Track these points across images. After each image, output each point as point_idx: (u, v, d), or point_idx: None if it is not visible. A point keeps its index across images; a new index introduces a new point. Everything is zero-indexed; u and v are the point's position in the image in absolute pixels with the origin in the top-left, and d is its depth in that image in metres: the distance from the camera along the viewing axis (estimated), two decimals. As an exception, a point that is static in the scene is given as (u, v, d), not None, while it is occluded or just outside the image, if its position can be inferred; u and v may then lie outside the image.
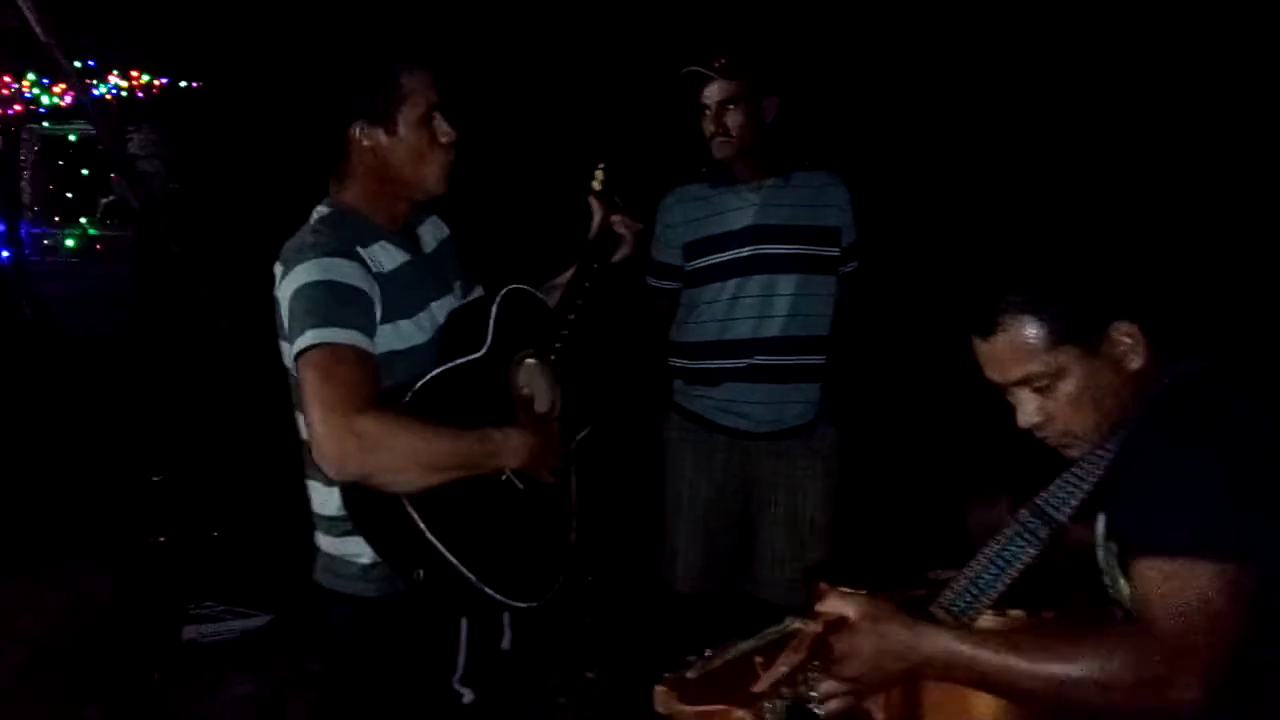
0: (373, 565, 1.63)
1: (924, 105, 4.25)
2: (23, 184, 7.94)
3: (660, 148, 2.54)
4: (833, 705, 1.23)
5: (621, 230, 1.92)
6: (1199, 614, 1.12)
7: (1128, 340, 1.29)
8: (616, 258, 1.94)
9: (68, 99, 7.01)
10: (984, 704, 1.27)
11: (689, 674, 1.22)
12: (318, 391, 1.49)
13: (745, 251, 2.53)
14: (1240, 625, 1.13)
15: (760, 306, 2.53)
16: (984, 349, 1.34)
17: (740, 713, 1.15)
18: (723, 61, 2.44)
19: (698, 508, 2.62)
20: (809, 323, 2.57)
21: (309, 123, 1.72)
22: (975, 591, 1.33)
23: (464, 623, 1.69)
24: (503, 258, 1.96)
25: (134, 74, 7.05)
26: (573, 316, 1.80)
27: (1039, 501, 1.37)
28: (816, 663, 1.21)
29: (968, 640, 1.21)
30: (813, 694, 1.20)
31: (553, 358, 1.76)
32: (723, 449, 2.60)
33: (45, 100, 7.22)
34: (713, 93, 2.45)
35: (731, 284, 2.53)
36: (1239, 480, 1.16)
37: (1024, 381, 1.32)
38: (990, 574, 1.34)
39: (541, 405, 1.73)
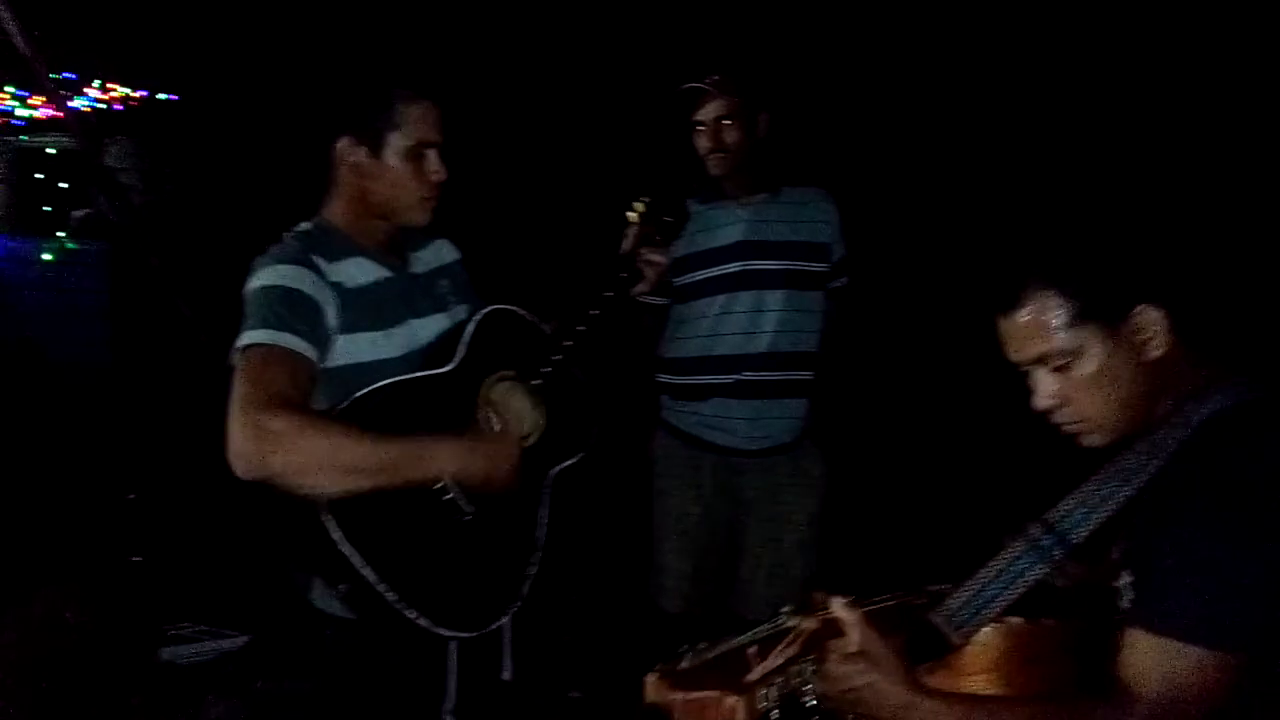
0: None
1: (912, 118, 4.26)
2: (-2, 197, 7.85)
3: (694, 181, 2.52)
4: (825, 705, 1.23)
5: (647, 264, 1.89)
6: (1181, 697, 1.15)
7: (1151, 325, 1.26)
8: (634, 292, 1.90)
9: (45, 112, 6.94)
10: None
11: (681, 664, 1.21)
12: (239, 388, 1.49)
13: (734, 267, 2.52)
14: (1214, 709, 1.16)
15: (748, 322, 2.52)
16: (1005, 325, 1.32)
17: (732, 699, 1.14)
18: (717, 78, 2.44)
19: (685, 525, 2.60)
20: (797, 339, 2.56)
21: (295, 133, 1.71)
22: (979, 604, 1.32)
23: (453, 649, 1.66)
24: (527, 283, 1.93)
25: (111, 86, 6.99)
26: (571, 343, 1.76)
27: (1052, 518, 1.32)
28: (812, 657, 1.21)
29: (956, 709, 1.22)
30: (806, 687, 1.19)
31: (537, 382, 1.73)
32: (710, 465, 2.59)
33: (22, 113, 7.15)
34: (710, 109, 2.44)
35: (720, 299, 2.53)
36: (1253, 569, 1.15)
37: (1042, 360, 1.30)
38: (995, 588, 1.32)
39: (514, 428, 1.69)
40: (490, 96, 4.35)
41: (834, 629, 1.25)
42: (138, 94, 7.02)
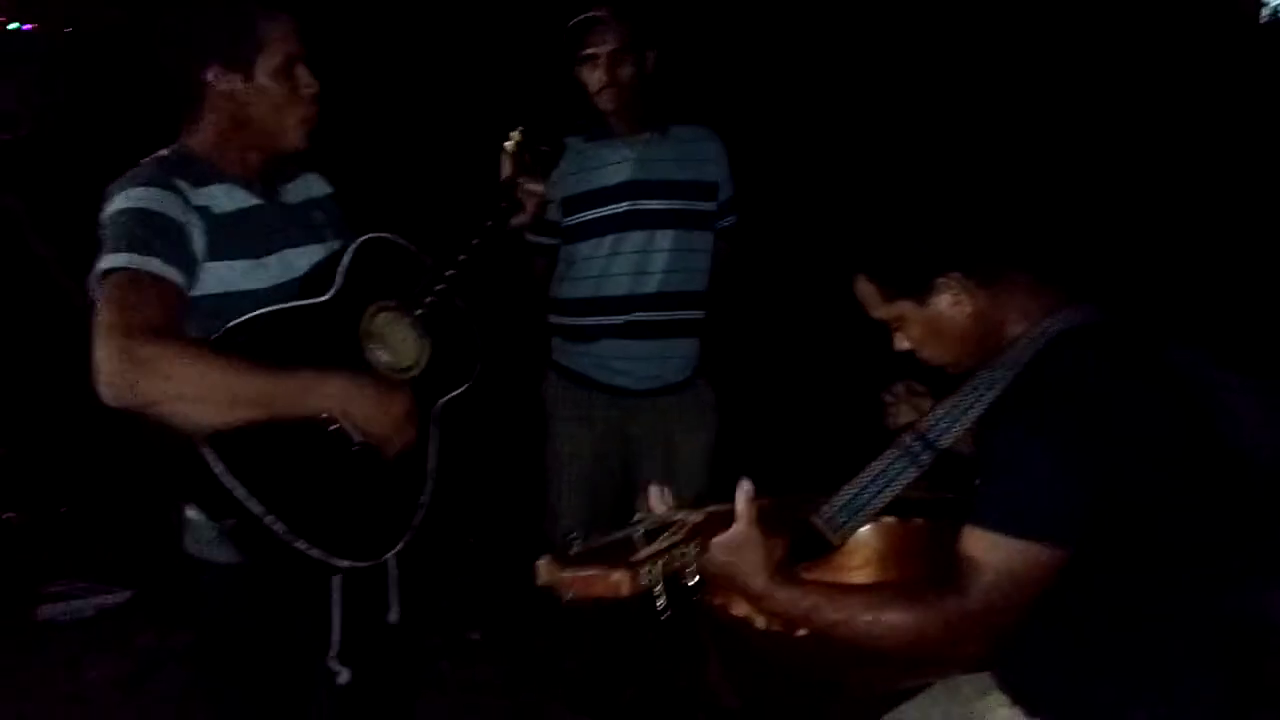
0: None
1: (796, 54, 4.30)
2: None
3: (573, 112, 2.48)
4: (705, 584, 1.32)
5: (525, 194, 1.86)
6: (1007, 586, 1.27)
7: (952, 290, 1.40)
8: (514, 222, 1.88)
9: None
10: None
11: (572, 550, 1.27)
12: (104, 314, 1.43)
13: (623, 207, 2.51)
14: (1037, 597, 1.28)
15: (638, 262, 2.52)
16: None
17: (618, 574, 1.20)
18: (608, 9, 2.39)
19: (578, 465, 2.61)
20: (687, 278, 2.57)
21: (160, 65, 1.63)
22: (855, 506, 1.43)
23: (335, 593, 1.64)
24: (403, 215, 1.89)
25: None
26: (453, 272, 1.73)
27: (922, 427, 1.44)
28: (696, 542, 1.29)
29: (809, 597, 1.33)
30: (689, 568, 1.27)
31: (420, 312, 1.70)
32: (601, 406, 2.60)
33: None
34: (604, 42, 2.39)
35: (609, 240, 2.51)
36: (1070, 469, 1.27)
37: (883, 322, 1.47)
38: (870, 492, 1.44)
39: (399, 359, 1.67)
40: (363, 24, 4.20)
41: (716, 523, 1.33)
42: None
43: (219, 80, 1.61)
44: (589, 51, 2.41)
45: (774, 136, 4.03)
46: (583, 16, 2.40)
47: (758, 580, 1.32)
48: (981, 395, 1.38)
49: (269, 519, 1.45)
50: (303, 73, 1.65)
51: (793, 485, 1.59)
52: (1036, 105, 4.18)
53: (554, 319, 2.64)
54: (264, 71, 1.61)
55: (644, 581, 1.20)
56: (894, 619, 1.29)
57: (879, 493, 1.43)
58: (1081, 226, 3.86)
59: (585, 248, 2.54)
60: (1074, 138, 4.18)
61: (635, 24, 2.41)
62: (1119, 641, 1.33)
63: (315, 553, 1.49)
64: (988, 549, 1.28)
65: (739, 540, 1.32)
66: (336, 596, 1.65)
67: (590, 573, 1.20)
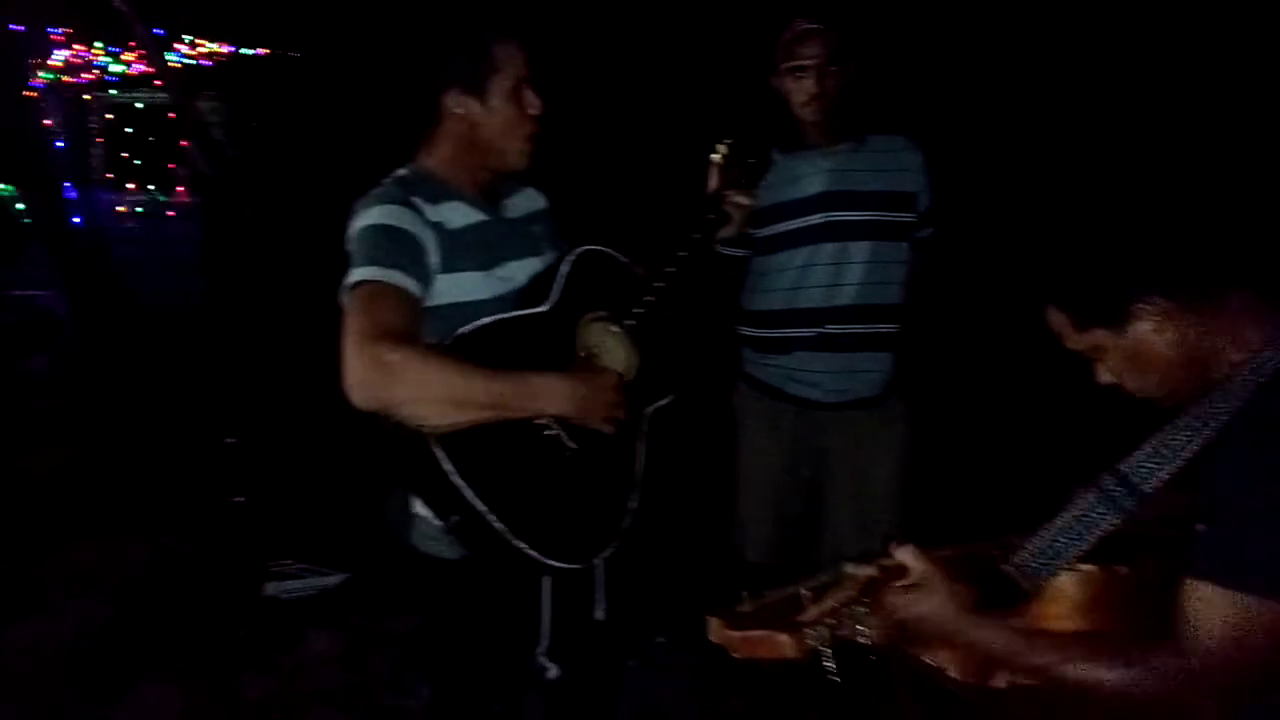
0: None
1: (1000, 64, 4.15)
2: (93, 151, 8.11)
3: (774, 128, 2.50)
4: (878, 644, 1.27)
5: (734, 206, 1.90)
6: (1234, 646, 1.15)
7: (1152, 316, 1.28)
8: (722, 234, 1.92)
9: (136, 67, 7.14)
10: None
11: (741, 608, 1.26)
12: (353, 322, 1.56)
13: (817, 218, 2.49)
14: (1272, 662, 1.15)
15: (832, 274, 2.50)
16: None
17: (783, 637, 1.19)
18: (818, 22, 2.39)
19: (767, 476, 2.61)
20: (882, 291, 2.53)
21: (399, 91, 1.76)
22: (1050, 554, 1.34)
23: (546, 591, 1.72)
24: (613, 227, 1.96)
25: (199, 43, 7.15)
26: (661, 284, 1.79)
27: (1124, 469, 1.33)
28: (866, 600, 1.25)
29: (1009, 638, 1.26)
30: (858, 627, 1.24)
31: (630, 322, 1.76)
32: (791, 418, 2.58)
33: (114, 68, 7.37)
34: (817, 51, 2.39)
35: (803, 251, 2.50)
36: None
37: (1079, 354, 1.38)
38: (1066, 538, 1.34)
39: (610, 367, 1.74)
40: (572, 42, 4.35)
41: (891, 576, 1.29)
42: (224, 49, 7.17)
43: (457, 104, 1.72)
44: (799, 63, 2.40)
45: (974, 147, 3.91)
46: (797, 28, 2.40)
47: (948, 621, 1.26)
48: (1196, 434, 1.26)
49: (492, 518, 1.54)
50: (529, 93, 1.74)
51: (984, 517, 1.52)
52: (1235, 112, 3.87)
53: (745, 330, 2.64)
54: (497, 94, 1.72)
55: (811, 644, 1.19)
56: (1105, 673, 1.19)
57: (1075, 540, 1.33)
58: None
59: (779, 259, 2.53)
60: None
61: (843, 35, 2.40)
62: None
63: (532, 553, 1.57)
64: (1213, 604, 1.16)
65: (921, 582, 1.27)
66: (547, 595, 1.73)
67: (757, 635, 1.20)
